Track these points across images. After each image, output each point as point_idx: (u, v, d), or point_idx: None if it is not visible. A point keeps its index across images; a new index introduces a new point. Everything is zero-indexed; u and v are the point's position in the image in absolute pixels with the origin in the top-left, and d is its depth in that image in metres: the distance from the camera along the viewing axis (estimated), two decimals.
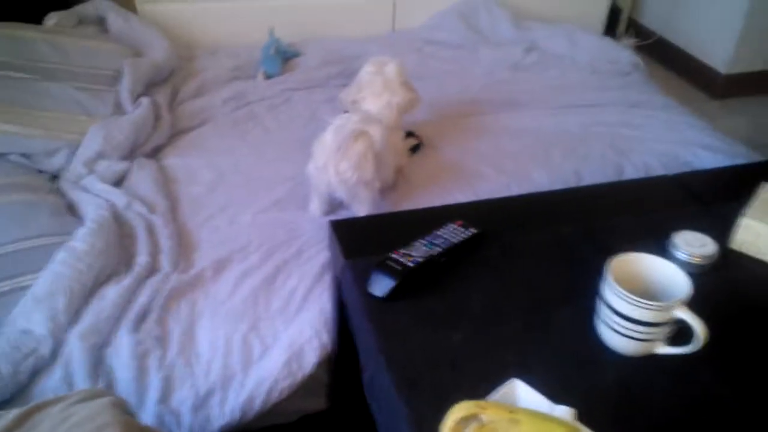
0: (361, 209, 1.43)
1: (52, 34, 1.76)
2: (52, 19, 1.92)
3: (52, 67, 1.66)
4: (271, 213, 1.46)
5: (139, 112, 1.63)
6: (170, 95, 1.84)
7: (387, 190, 1.53)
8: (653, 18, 2.87)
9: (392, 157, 1.51)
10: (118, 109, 1.68)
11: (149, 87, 1.81)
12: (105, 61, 1.77)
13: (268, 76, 2.02)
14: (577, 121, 1.84)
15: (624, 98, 1.97)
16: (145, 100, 1.68)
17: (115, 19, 2.01)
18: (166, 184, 1.53)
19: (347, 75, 2.04)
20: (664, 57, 2.79)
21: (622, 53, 2.20)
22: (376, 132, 1.37)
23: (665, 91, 2.06)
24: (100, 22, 2.04)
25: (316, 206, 1.46)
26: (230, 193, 1.51)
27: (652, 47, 2.83)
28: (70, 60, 1.70)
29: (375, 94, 1.58)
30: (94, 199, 1.39)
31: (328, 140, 1.36)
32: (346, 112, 1.57)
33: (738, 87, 2.57)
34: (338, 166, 1.34)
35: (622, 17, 2.89)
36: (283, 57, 2.09)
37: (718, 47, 2.54)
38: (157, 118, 1.68)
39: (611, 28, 2.78)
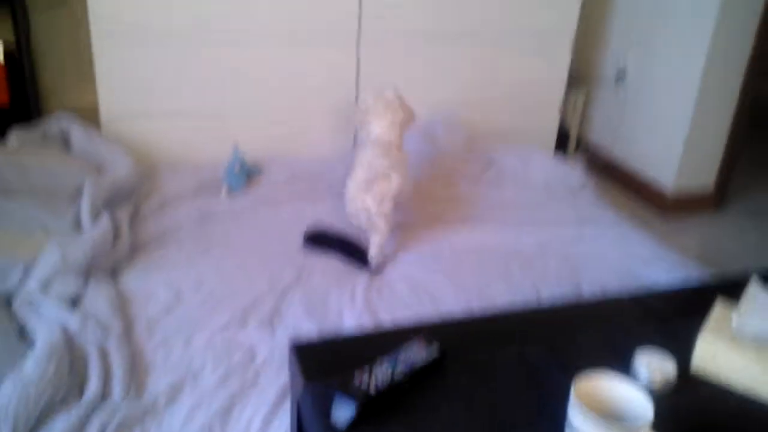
0: (376, 239, 1.70)
1: (14, 155, 1.77)
2: (15, 137, 1.93)
3: (12, 186, 1.65)
4: (230, 332, 1.43)
5: (98, 230, 1.61)
6: (131, 212, 1.84)
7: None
8: (601, 137, 3.03)
9: (404, 180, 1.79)
10: (77, 227, 1.66)
11: (110, 203, 1.80)
12: (66, 179, 1.77)
13: (232, 192, 2.03)
14: (534, 238, 1.89)
15: (577, 215, 2.05)
16: (105, 218, 1.67)
17: (79, 136, 2.03)
18: (123, 304, 1.49)
19: (313, 191, 2.09)
20: (614, 175, 2.93)
21: (573, 171, 2.30)
22: (396, 178, 1.73)
23: (616, 208, 2.14)
24: (64, 139, 2.06)
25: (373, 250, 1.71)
26: (187, 313, 1.48)
27: (601, 165, 2.97)
28: (31, 178, 1.70)
29: (379, 116, 1.88)
30: (47, 321, 1.34)
31: (359, 176, 1.70)
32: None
33: (685, 205, 2.69)
34: (364, 199, 1.68)
35: (572, 135, 3.05)
36: (246, 173, 2.12)
37: (663, 166, 2.68)
38: (116, 235, 1.67)
39: (561, 146, 2.92)
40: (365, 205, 1.71)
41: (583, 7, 2.61)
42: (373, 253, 1.70)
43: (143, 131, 2.22)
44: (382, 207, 1.71)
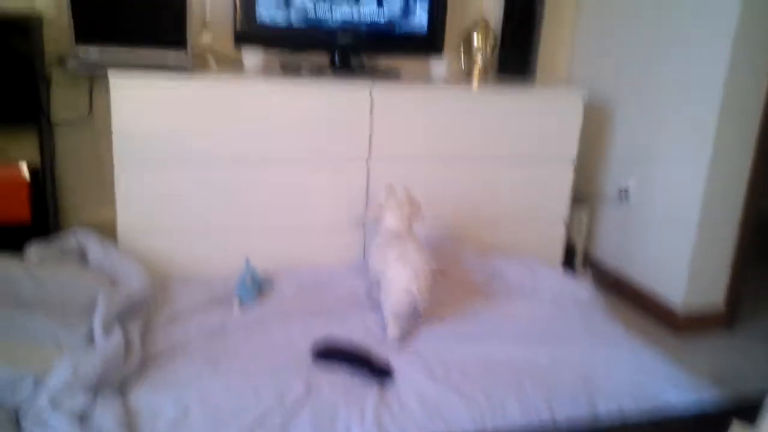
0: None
1: (32, 267, 1.81)
2: (33, 250, 1.98)
3: (27, 298, 1.68)
4: None
5: (110, 344, 1.62)
6: (143, 325, 1.85)
7: None
8: (607, 253, 3.06)
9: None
10: (90, 340, 1.67)
11: (123, 316, 1.81)
12: (81, 292, 1.80)
13: (243, 305, 2.05)
14: (545, 354, 1.88)
15: (588, 331, 2.04)
16: (117, 332, 1.68)
17: (95, 250, 2.08)
18: (130, 420, 1.47)
19: (324, 304, 2.11)
20: (622, 291, 2.93)
21: (582, 287, 2.32)
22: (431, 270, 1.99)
23: (626, 325, 2.13)
24: (81, 253, 2.10)
25: (395, 331, 1.90)
26: (194, 430, 1.46)
27: (609, 281, 2.98)
28: (47, 291, 1.73)
29: (391, 211, 2.16)
30: None
31: (402, 273, 1.92)
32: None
33: (696, 323, 2.66)
34: (419, 288, 1.91)
35: (578, 252, 3.08)
36: (258, 286, 2.14)
37: (671, 284, 2.68)
38: (127, 349, 1.67)
39: (569, 262, 2.95)
40: (419, 295, 1.92)
41: (584, 131, 2.74)
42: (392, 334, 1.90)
43: (158, 245, 2.28)
44: (426, 297, 1.95)
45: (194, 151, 2.24)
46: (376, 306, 2.09)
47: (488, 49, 2.90)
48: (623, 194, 2.91)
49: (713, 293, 2.69)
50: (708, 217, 2.57)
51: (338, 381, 1.68)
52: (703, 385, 1.74)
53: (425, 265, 1.97)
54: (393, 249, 2.04)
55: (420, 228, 2.25)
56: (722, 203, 2.58)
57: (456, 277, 2.36)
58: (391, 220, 2.16)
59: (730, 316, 2.74)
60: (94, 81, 2.48)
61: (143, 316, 1.87)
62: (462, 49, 2.96)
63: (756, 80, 2.46)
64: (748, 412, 1.27)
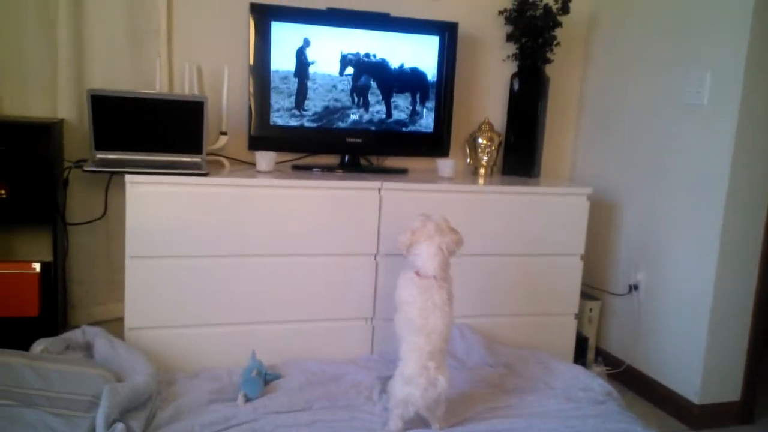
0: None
1: (37, 360, 1.80)
2: (39, 345, 1.98)
3: (31, 393, 1.67)
4: None
5: None
6: (146, 420, 1.81)
7: None
8: (619, 347, 3.01)
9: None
10: None
11: (126, 412, 1.78)
12: (85, 387, 1.78)
13: (249, 399, 2.01)
14: None
15: (603, 427, 1.97)
16: (118, 427, 1.65)
17: (101, 345, 2.08)
18: None
19: (330, 398, 2.07)
20: (636, 385, 2.86)
21: (595, 381, 2.26)
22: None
23: (643, 420, 2.07)
24: (88, 348, 2.10)
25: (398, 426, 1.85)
26: None
27: (622, 375, 2.91)
28: (50, 385, 1.71)
29: (428, 237, 1.93)
30: None
31: (415, 394, 1.82)
32: None
33: (713, 418, 2.58)
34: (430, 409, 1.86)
35: (590, 345, 3.03)
36: (263, 379, 2.11)
37: (686, 377, 2.62)
38: None
39: (580, 356, 2.90)
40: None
41: (592, 226, 2.77)
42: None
43: (165, 340, 2.28)
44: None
45: (205, 247, 2.28)
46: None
47: (493, 149, 3.00)
48: (633, 288, 2.89)
49: (729, 387, 2.62)
50: (720, 311, 2.54)
51: None
52: None
53: (438, 387, 1.83)
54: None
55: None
56: (733, 296, 2.56)
57: (468, 372, 2.31)
58: (427, 249, 1.94)
59: (748, 410, 2.66)
60: (110, 183, 2.56)
61: (147, 412, 1.84)
62: (468, 149, 3.06)
63: (761, 170, 2.50)
64: None
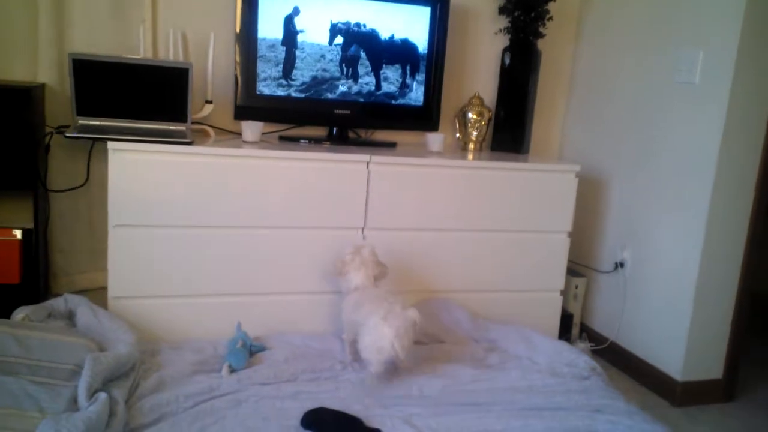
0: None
1: (18, 328, 1.77)
2: (20, 313, 1.95)
3: (11, 361, 1.64)
4: None
5: (93, 409, 1.56)
6: (130, 390, 1.79)
7: None
8: (604, 324, 3.03)
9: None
10: (73, 405, 1.61)
11: (109, 381, 1.75)
12: (67, 356, 1.75)
13: (233, 370, 2.00)
14: (544, 426, 1.82)
15: (587, 403, 1.99)
16: (101, 396, 1.62)
17: (84, 313, 2.05)
18: None
19: (314, 371, 2.06)
20: (619, 362, 2.88)
21: (580, 357, 2.27)
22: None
23: (625, 396, 2.08)
24: (70, 316, 2.07)
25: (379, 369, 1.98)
26: None
27: (606, 352, 2.94)
28: (32, 354, 1.68)
29: (356, 269, 2.22)
30: None
31: (386, 331, 1.94)
32: None
33: (695, 395, 2.61)
34: (402, 344, 1.95)
35: (574, 322, 3.05)
36: (248, 351, 2.10)
37: (669, 355, 2.65)
38: (111, 414, 1.61)
39: (565, 332, 2.91)
40: (403, 350, 1.96)
41: (579, 203, 2.76)
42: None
43: (149, 309, 2.25)
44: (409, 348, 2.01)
45: (188, 218, 2.25)
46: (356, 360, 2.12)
47: (483, 124, 2.97)
48: (619, 266, 2.91)
49: (712, 365, 2.65)
50: (704, 289, 2.55)
51: None
52: None
53: (406, 321, 1.98)
54: (372, 304, 2.04)
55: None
56: (718, 274, 2.57)
57: (450, 347, 2.31)
58: (356, 279, 2.20)
59: (730, 387, 2.69)
60: (93, 150, 2.51)
61: (130, 382, 1.82)
62: (457, 124, 3.03)
63: (749, 152, 2.50)
64: None
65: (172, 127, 2.38)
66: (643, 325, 2.79)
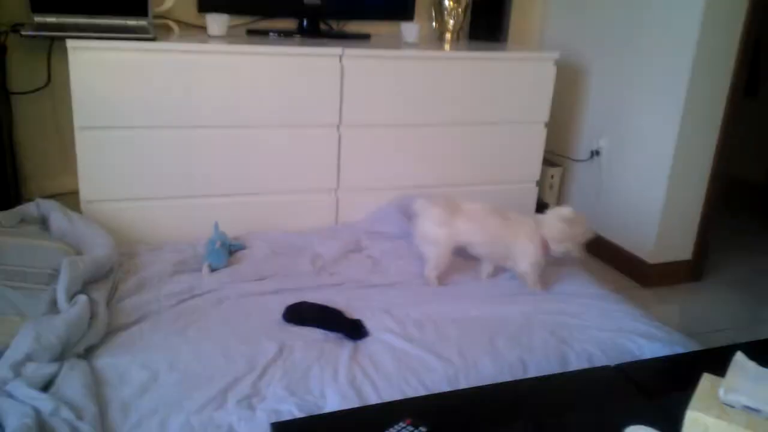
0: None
1: None
2: None
3: None
4: (207, 413, 1.38)
5: (74, 311, 1.58)
6: (109, 292, 1.80)
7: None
8: (579, 211, 3.08)
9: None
10: (53, 308, 1.62)
11: (88, 284, 1.76)
12: (43, 260, 1.75)
13: (214, 269, 2.02)
14: (518, 310, 1.89)
15: (561, 287, 2.05)
16: (81, 298, 1.63)
17: (58, 218, 2.02)
18: (97, 386, 1.44)
19: (296, 267, 2.08)
20: (593, 247, 2.93)
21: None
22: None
23: (598, 280, 2.15)
24: (43, 221, 2.05)
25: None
26: (163, 394, 1.43)
27: None
28: (6, 259, 1.67)
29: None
30: (19, 406, 1.29)
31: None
32: None
33: (666, 277, 2.71)
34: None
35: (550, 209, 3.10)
36: (227, 250, 2.11)
37: (642, 238, 2.72)
38: (93, 316, 1.63)
39: None
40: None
41: (558, 92, 2.72)
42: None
43: (124, 212, 2.23)
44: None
45: (157, 117, 2.18)
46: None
47: (460, 12, 2.86)
48: (595, 154, 2.92)
49: (682, 247, 2.74)
50: (678, 173, 2.59)
51: (311, 342, 1.67)
52: (674, 335, 1.76)
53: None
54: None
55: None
56: (692, 159, 2.60)
57: None
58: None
59: (699, 268, 2.80)
60: (53, 49, 2.40)
61: (110, 284, 1.83)
62: (433, 12, 2.91)
63: (727, 39, 2.47)
64: (719, 361, 1.28)
65: (132, 23, 2.27)
66: (617, 211, 2.83)
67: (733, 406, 1.13)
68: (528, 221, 2.07)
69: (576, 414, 1.18)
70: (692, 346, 1.70)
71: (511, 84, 2.60)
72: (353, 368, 1.57)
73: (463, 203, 2.10)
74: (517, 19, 3.08)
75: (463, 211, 2.07)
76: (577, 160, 3.04)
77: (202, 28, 2.49)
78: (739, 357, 1.27)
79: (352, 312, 1.83)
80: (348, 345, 1.67)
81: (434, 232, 2.05)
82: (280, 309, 1.79)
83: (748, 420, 1.10)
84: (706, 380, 1.21)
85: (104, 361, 1.54)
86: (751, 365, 1.25)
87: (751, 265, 3.00)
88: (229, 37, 2.42)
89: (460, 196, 2.60)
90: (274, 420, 1.31)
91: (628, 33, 2.71)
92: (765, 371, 1.23)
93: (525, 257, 2.02)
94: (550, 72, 2.64)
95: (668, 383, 1.32)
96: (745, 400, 1.13)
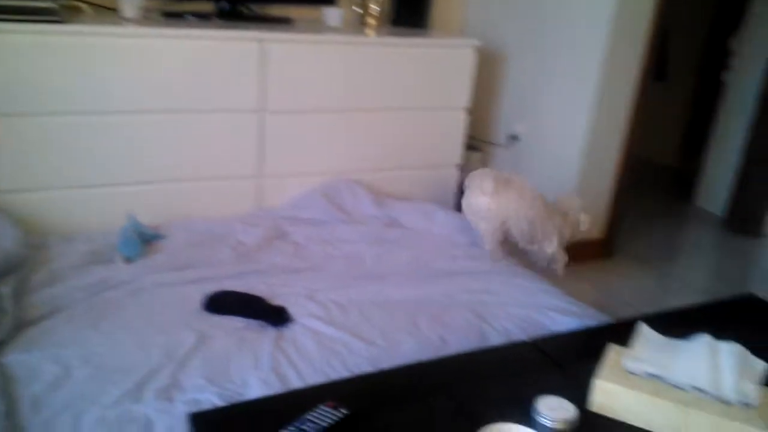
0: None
1: None
2: None
3: None
4: (123, 406, 1.35)
5: None
6: (18, 286, 1.72)
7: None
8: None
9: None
10: None
11: None
12: None
13: (128, 260, 1.95)
14: (440, 291, 1.92)
15: (482, 267, 2.11)
16: None
17: None
18: (6, 383, 1.38)
19: (217, 256, 2.04)
20: None
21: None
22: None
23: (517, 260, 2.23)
24: None
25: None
26: (76, 389, 1.38)
27: None
28: None
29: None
30: None
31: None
32: None
33: (579, 254, 2.83)
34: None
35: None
36: (142, 239, 2.05)
37: None
38: (1, 311, 1.55)
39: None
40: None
41: (479, 79, 2.77)
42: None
43: (34, 204, 2.12)
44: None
45: (69, 103, 2.08)
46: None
47: None
48: (513, 139, 3.00)
49: (595, 227, 2.87)
50: (590, 156, 2.71)
51: (232, 330, 1.64)
52: (586, 310, 1.84)
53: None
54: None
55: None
56: (603, 143, 2.73)
57: (351, 224, 2.35)
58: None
59: (609, 246, 2.94)
60: None
61: (18, 277, 1.74)
62: None
63: (637, 27, 2.58)
64: (624, 332, 1.35)
65: (38, 4, 2.15)
66: None
67: (637, 374, 1.19)
68: (556, 204, 2.11)
69: (492, 388, 1.22)
70: (603, 320, 1.79)
71: (432, 70, 2.63)
72: (276, 355, 1.56)
73: (512, 177, 2.14)
74: (440, 6, 3.12)
75: (513, 185, 2.10)
76: (497, 145, 3.12)
77: (114, 9, 2.39)
78: (643, 328, 1.35)
79: (275, 298, 1.81)
80: (271, 332, 1.66)
81: (485, 204, 2.06)
82: (200, 299, 1.76)
83: (650, 386, 1.17)
84: (612, 350, 1.27)
85: (13, 357, 1.47)
86: (654, 335, 1.32)
87: (658, 242, 3.18)
88: (143, 19, 2.34)
89: (382, 181, 2.65)
90: (194, 410, 1.29)
91: (544, 21, 2.79)
92: (666, 340, 1.31)
93: (559, 238, 2.06)
94: (470, 59, 2.68)
95: (579, 355, 1.38)
96: (648, 368, 1.20)
